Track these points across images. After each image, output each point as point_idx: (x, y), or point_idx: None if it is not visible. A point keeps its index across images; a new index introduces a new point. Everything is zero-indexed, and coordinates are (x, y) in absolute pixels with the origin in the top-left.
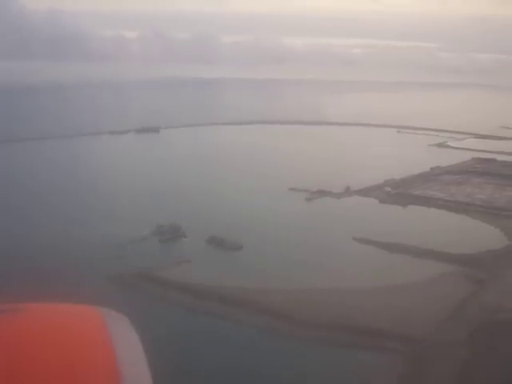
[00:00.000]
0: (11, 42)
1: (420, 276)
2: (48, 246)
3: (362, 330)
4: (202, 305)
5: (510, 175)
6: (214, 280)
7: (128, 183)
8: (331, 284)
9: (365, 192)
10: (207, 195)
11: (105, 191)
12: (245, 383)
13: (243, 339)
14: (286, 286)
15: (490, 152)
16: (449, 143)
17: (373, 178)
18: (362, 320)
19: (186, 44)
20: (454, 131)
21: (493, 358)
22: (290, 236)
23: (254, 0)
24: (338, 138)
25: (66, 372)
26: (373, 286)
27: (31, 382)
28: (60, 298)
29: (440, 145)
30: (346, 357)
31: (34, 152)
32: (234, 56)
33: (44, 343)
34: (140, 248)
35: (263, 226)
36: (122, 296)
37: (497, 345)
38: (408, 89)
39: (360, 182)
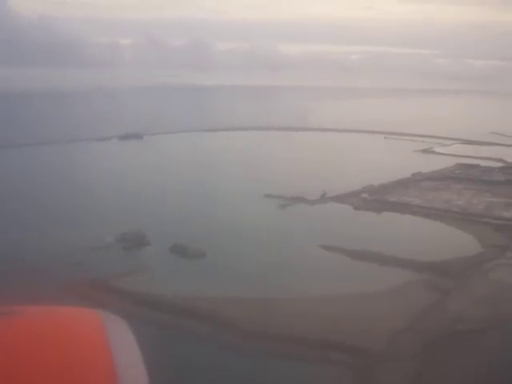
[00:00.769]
0: (3, 48)
1: (383, 285)
2: (4, 252)
3: (312, 341)
4: (151, 314)
5: (491, 181)
6: (167, 289)
7: (98, 190)
8: (290, 293)
9: (341, 198)
10: (178, 202)
11: (73, 198)
12: None
13: (187, 349)
14: (244, 295)
15: (475, 158)
16: (434, 149)
17: (352, 184)
18: (313, 331)
19: (181, 51)
20: (441, 137)
21: (445, 370)
22: (257, 243)
23: (250, 7)
24: (324, 144)
25: (64, 374)
26: (333, 296)
27: (29, 382)
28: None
29: (425, 151)
30: (292, 370)
31: (6, 159)
32: (229, 63)
33: (41, 345)
34: (101, 256)
35: (231, 233)
36: (73, 304)
37: (451, 357)
38: (403, 95)
39: (338, 189)
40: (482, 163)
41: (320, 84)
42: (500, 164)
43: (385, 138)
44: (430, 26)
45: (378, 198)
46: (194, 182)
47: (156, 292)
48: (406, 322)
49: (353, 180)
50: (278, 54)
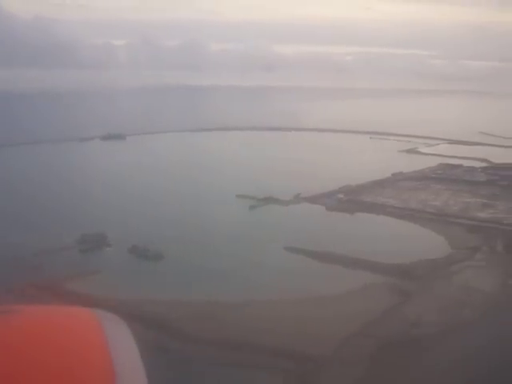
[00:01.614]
0: None
1: (343, 287)
2: None
3: (258, 347)
4: None
5: (472, 181)
6: (117, 292)
7: (64, 190)
8: (245, 297)
9: (315, 199)
10: (145, 202)
11: (37, 199)
12: None
13: None
14: (196, 298)
15: (459, 158)
16: (419, 149)
17: (329, 184)
18: (261, 336)
19: (176, 52)
20: (428, 137)
21: (393, 376)
22: (220, 245)
23: (246, 8)
24: (307, 144)
25: (62, 374)
26: (290, 299)
27: (26, 383)
28: None
29: (409, 151)
30: (232, 377)
31: None
32: (224, 64)
33: (38, 345)
34: (57, 257)
35: (195, 235)
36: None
37: (400, 363)
38: (398, 96)
39: (314, 189)
40: (466, 163)
41: (315, 85)
42: (484, 164)
43: (370, 138)
44: (427, 27)
45: (352, 199)
46: (165, 182)
47: (103, 294)
48: (360, 327)
49: (331, 180)
50: (274, 55)
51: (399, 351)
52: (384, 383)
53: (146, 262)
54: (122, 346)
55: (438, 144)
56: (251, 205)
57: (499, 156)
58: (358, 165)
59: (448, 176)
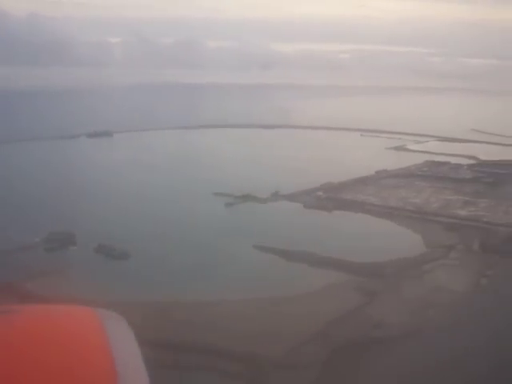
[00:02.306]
0: None
1: (307, 287)
2: None
3: (209, 349)
4: None
5: (457, 178)
6: (75, 292)
7: (36, 188)
8: (206, 297)
9: (294, 197)
10: (120, 201)
11: (7, 196)
12: None
13: None
14: (153, 299)
15: (448, 155)
16: (408, 146)
17: (311, 181)
18: (215, 338)
19: (174, 49)
20: (418, 134)
21: (346, 380)
22: (190, 244)
23: (244, 6)
24: (294, 141)
25: (63, 373)
26: (251, 299)
27: (28, 382)
28: None
29: (398, 148)
30: (179, 381)
31: None
32: (221, 61)
33: (39, 344)
34: (22, 256)
35: (165, 233)
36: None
37: (355, 366)
38: (393, 93)
39: (295, 186)
40: (454, 160)
41: (311, 82)
42: (472, 161)
43: (361, 135)
44: (423, 25)
45: (332, 196)
46: (141, 180)
47: (65, 294)
48: (317, 328)
49: (313, 177)
50: (271, 53)
51: (356, 354)
52: None
53: (112, 261)
54: (124, 345)
55: (428, 141)
56: (227, 202)
57: (489, 153)
58: (343, 162)
59: (433, 173)
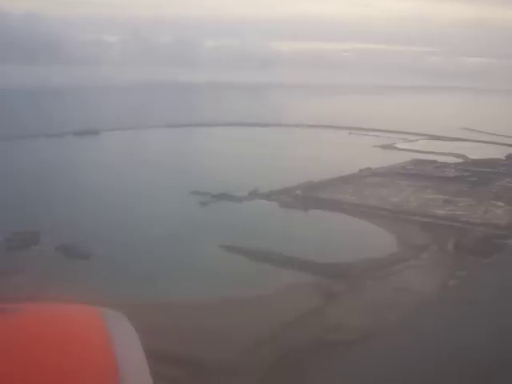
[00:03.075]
0: None
1: (267, 288)
2: None
3: (156, 354)
4: None
5: (441, 177)
6: (38, 292)
7: (7, 186)
8: (161, 298)
9: (271, 195)
10: (92, 200)
11: None
12: None
13: None
14: (105, 300)
15: (436, 154)
16: (396, 145)
17: (291, 180)
18: (159, 341)
19: (170, 48)
20: (409, 132)
21: None
22: (156, 243)
23: (242, 4)
24: (283, 139)
25: (65, 372)
26: (205, 301)
27: (29, 382)
28: None
29: (385, 146)
30: None
31: None
32: (220, 60)
33: (41, 343)
34: None
35: (132, 233)
36: None
37: (301, 371)
38: (389, 92)
39: (275, 185)
40: (441, 159)
41: (310, 81)
42: (459, 160)
43: (349, 133)
44: (423, 24)
45: (309, 195)
46: (119, 179)
47: (23, 295)
48: (271, 331)
49: (295, 176)
50: (270, 52)
51: (305, 358)
52: None
53: (70, 261)
54: (126, 344)
55: (417, 140)
56: (201, 201)
57: (479, 152)
58: (328, 160)
59: (417, 172)
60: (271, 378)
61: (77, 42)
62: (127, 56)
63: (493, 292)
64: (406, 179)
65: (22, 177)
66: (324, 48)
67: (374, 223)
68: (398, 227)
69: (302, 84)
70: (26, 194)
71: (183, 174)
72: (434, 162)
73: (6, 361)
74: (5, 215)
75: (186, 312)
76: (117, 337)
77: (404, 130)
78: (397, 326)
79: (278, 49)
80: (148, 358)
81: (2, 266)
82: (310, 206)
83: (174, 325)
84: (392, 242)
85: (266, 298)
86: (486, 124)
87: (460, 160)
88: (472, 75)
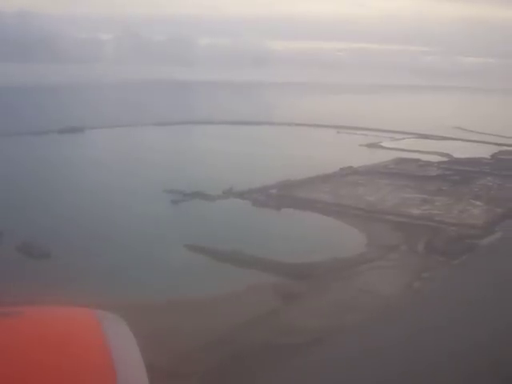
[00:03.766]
0: None
1: (224, 289)
2: None
3: None
4: None
5: (422, 176)
6: None
7: None
8: (112, 298)
9: (245, 194)
10: (63, 198)
11: None
12: None
13: None
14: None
15: (422, 152)
16: (383, 143)
17: (269, 178)
18: None
19: (165, 46)
20: (398, 131)
21: None
22: (120, 243)
23: (237, 3)
24: (269, 138)
25: (61, 374)
26: (153, 303)
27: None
28: None
29: (371, 145)
30: None
31: None
32: (214, 58)
33: (38, 345)
34: None
35: (97, 232)
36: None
37: (245, 375)
38: (383, 91)
39: (252, 184)
40: (426, 158)
41: (304, 80)
42: (445, 159)
43: (337, 132)
44: (420, 23)
45: (284, 194)
46: (93, 178)
47: None
48: (218, 334)
49: (274, 174)
50: (265, 50)
51: (251, 362)
52: None
53: (29, 260)
54: (123, 346)
55: (405, 138)
56: (173, 200)
57: (466, 151)
58: (309, 159)
59: (399, 171)
60: (209, 382)
61: (70, 39)
62: (121, 54)
63: (456, 294)
64: (386, 178)
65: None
66: (320, 47)
67: (346, 222)
68: (369, 227)
69: (296, 83)
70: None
71: (161, 172)
72: (418, 160)
73: (2, 363)
74: None
75: (130, 313)
76: (114, 339)
77: (393, 129)
78: (351, 328)
79: (273, 48)
80: None
81: None
82: (284, 204)
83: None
84: (361, 241)
85: (219, 299)
86: (479, 123)
87: (445, 159)
88: (469, 74)
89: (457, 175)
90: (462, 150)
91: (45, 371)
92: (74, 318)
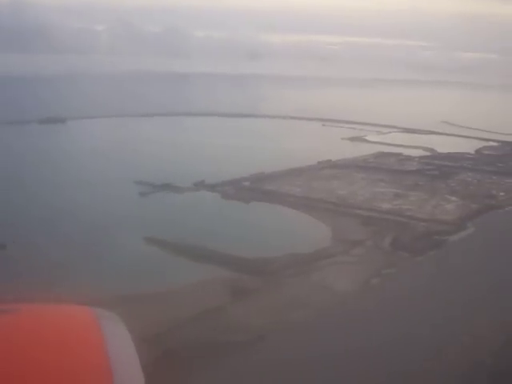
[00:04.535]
0: None
1: (173, 284)
2: None
3: None
4: None
5: (400, 170)
6: None
7: None
8: (66, 294)
9: (216, 187)
10: (27, 189)
11: None
12: None
13: None
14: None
15: (405, 147)
16: (366, 137)
17: (243, 171)
18: None
19: (161, 37)
20: (384, 125)
21: None
22: (80, 235)
23: None
24: (249, 130)
25: (58, 372)
26: (109, 297)
27: (23, 382)
28: None
29: (354, 138)
30: None
31: None
32: (209, 50)
33: (36, 343)
34: None
35: (60, 223)
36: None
37: (175, 373)
38: (376, 85)
39: (224, 176)
40: (408, 152)
41: (300, 73)
42: (427, 153)
43: (323, 125)
44: (418, 17)
45: (256, 187)
46: (63, 168)
47: None
48: (158, 331)
49: (249, 167)
50: (260, 43)
51: (188, 360)
52: None
53: None
54: (120, 344)
55: (390, 132)
56: (141, 192)
57: (452, 146)
58: (289, 151)
59: (378, 165)
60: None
61: (65, 30)
62: (116, 45)
63: (414, 291)
64: (363, 172)
65: None
66: (315, 40)
67: (314, 216)
68: (337, 221)
69: (291, 76)
70: None
71: (134, 163)
72: (399, 154)
73: (0, 360)
74: None
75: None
76: (110, 337)
77: (381, 123)
78: (300, 326)
79: (269, 40)
80: None
81: None
82: (253, 198)
83: None
84: (326, 236)
85: (168, 293)
86: (471, 118)
87: (427, 153)
88: (466, 70)
89: (436, 170)
90: (447, 145)
91: (42, 368)
92: (72, 315)
